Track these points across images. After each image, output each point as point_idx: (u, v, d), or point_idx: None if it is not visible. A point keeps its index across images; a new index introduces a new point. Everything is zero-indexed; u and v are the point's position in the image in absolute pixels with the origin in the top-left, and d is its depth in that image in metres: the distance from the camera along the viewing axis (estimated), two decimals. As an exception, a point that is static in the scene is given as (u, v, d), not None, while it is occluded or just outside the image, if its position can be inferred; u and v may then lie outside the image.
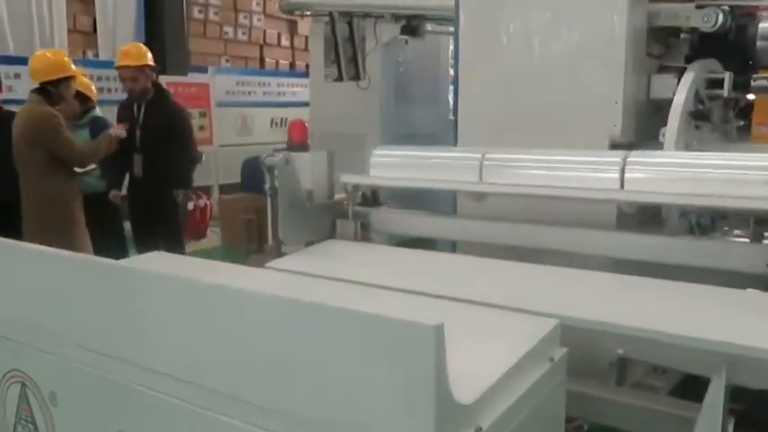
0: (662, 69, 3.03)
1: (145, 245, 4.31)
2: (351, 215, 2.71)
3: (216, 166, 8.13)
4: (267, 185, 2.50)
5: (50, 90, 3.80)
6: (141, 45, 4.48)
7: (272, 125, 8.93)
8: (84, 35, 7.81)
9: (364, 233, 2.74)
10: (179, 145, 4.32)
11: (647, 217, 2.92)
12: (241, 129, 8.83)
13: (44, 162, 3.71)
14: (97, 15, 8.06)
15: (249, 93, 8.89)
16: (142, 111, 4.29)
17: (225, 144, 8.35)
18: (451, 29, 3.42)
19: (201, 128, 7.32)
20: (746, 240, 2.22)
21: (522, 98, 3.11)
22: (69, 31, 7.66)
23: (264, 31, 9.41)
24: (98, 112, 4.56)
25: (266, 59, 9.50)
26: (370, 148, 4.40)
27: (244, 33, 9.23)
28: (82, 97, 4.37)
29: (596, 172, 2.36)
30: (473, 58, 3.28)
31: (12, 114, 4.00)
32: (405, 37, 4.17)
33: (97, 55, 7.72)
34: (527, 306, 1.92)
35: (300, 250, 2.56)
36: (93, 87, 4.53)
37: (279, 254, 2.51)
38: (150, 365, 1.64)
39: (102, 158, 4.22)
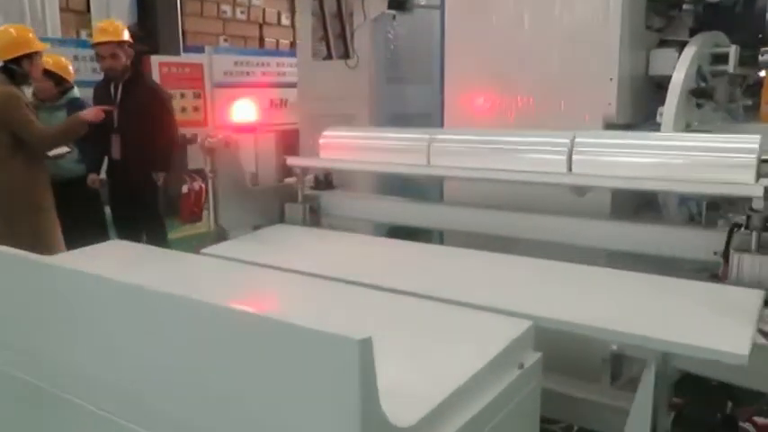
0: (662, 44, 2.79)
1: (125, 230, 4.17)
2: (300, 198, 2.61)
3: (213, 148, 7.97)
4: (208, 168, 2.40)
5: (13, 68, 3.62)
6: (117, 21, 4.29)
7: (271, 107, 8.73)
8: (78, 14, 7.62)
9: (315, 217, 2.65)
10: (158, 126, 4.15)
11: (644, 203, 2.72)
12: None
13: (8, 145, 3.55)
14: (90, -6, 7.87)
15: (248, 73, 8.68)
16: (119, 91, 4.12)
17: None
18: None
19: (196, 109, 7.14)
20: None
21: (512, 76, 2.90)
22: (62, 10, 7.47)
23: (264, 9, 9.17)
24: (76, 93, 4.39)
25: (266, 39, 9.27)
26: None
27: (242, 12, 9.00)
28: (57, 78, 4.21)
29: (544, 154, 2.19)
30: (460, 34, 3.07)
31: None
32: (393, 12, 3.94)
33: (91, 35, 7.56)
34: (491, 302, 1.73)
35: (243, 235, 2.45)
36: (71, 68, 4.35)
37: (223, 238, 2.43)
38: (62, 367, 1.50)
39: (79, 141, 4.07)
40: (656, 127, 2.49)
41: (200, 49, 7.94)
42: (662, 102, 2.50)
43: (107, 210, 4.47)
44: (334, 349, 1.05)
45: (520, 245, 2.34)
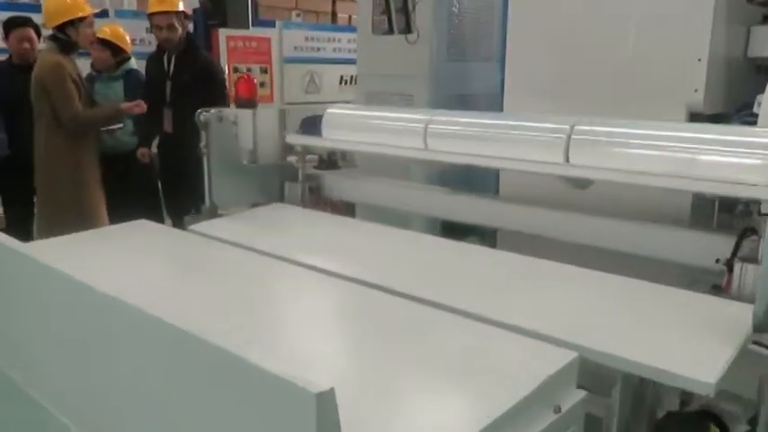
0: (767, 20, 2.36)
1: (173, 205, 4.10)
2: (300, 178, 2.52)
3: (282, 123, 7.93)
4: (202, 143, 2.35)
5: (60, 37, 3.56)
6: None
7: (341, 83, 8.59)
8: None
9: (314, 198, 2.53)
10: (211, 99, 4.02)
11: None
12: (309, 86, 8.56)
13: (51, 116, 3.51)
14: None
15: (318, 49, 8.55)
16: (172, 63, 4.02)
17: (292, 102, 8.13)
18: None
19: (262, 84, 7.05)
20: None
21: (580, 55, 2.54)
22: (137, -17, 7.55)
23: (341, -17, 8.98)
24: (133, 64, 4.34)
25: (338, 14, 9.08)
26: (418, 107, 3.99)
27: (316, -14, 8.85)
28: (114, 49, 4.16)
29: (539, 143, 1.89)
30: (524, 7, 2.73)
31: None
32: (455, -18, 3.62)
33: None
34: (524, 322, 1.43)
35: (236, 213, 2.37)
36: (128, 38, 4.29)
37: (215, 216, 2.36)
38: (31, 361, 1.36)
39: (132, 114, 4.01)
40: (753, 119, 2.09)
41: (271, 24, 7.87)
42: (762, 89, 2.10)
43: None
44: (287, 398, 0.82)
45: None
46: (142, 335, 1.04)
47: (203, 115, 2.33)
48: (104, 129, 3.85)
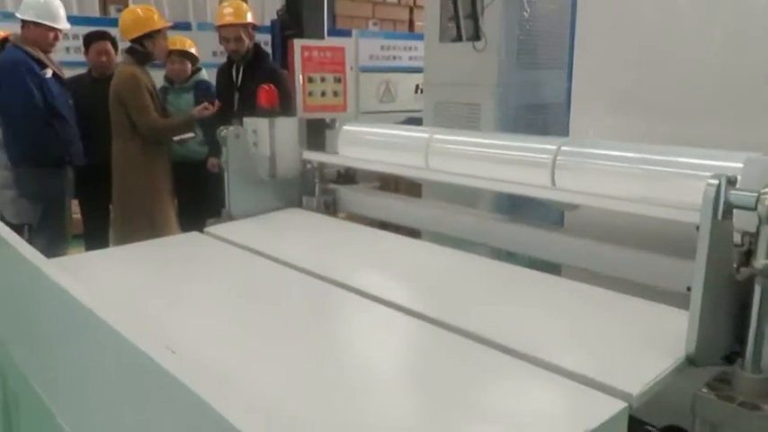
0: None
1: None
2: (317, 192, 2.55)
3: (356, 133, 7.97)
4: (222, 159, 2.42)
5: (137, 48, 3.67)
6: (242, 3, 4.23)
7: (417, 91, 8.51)
8: (236, -1, 7.93)
9: (329, 213, 2.54)
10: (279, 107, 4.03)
11: None
12: (384, 95, 8.55)
13: (127, 125, 3.62)
14: (248, -20, 8.13)
15: (394, 57, 8.53)
16: (240, 73, 4.07)
17: (366, 111, 8.14)
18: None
19: (335, 93, 7.07)
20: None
21: (657, 63, 2.30)
22: (221, -2, 7.78)
23: (417, -9, 8.94)
24: (204, 75, 4.43)
25: (416, 22, 9.02)
26: (485, 118, 3.83)
27: (393, -6, 8.84)
28: (193, 59, 4.26)
29: (527, 164, 1.81)
30: (594, 11, 2.52)
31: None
32: (524, -14, 3.44)
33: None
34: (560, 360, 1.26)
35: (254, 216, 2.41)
36: (194, 49, 4.39)
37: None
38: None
39: (203, 124, 4.09)
40: None
41: (347, 33, 7.92)
42: None
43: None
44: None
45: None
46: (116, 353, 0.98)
47: (223, 131, 2.40)
48: (177, 138, 3.95)
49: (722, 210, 1.16)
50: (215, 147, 4.27)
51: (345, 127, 2.40)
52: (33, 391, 1.42)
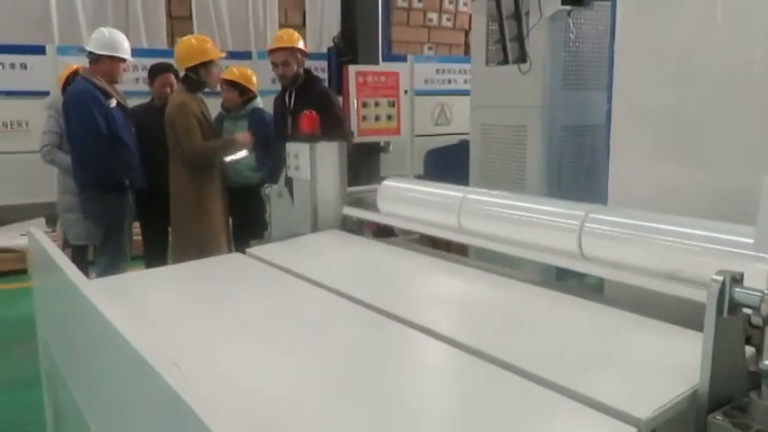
0: None
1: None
2: None
3: (411, 156, 8.03)
4: (267, 214, 2.54)
5: (191, 76, 3.87)
6: (293, 31, 4.39)
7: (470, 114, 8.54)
8: (296, 28, 8.21)
9: None
10: (328, 130, 4.12)
11: None
12: (439, 118, 8.61)
13: (180, 150, 3.80)
14: (307, 10, 8.41)
15: (449, 81, 8.61)
16: (293, 98, 4.20)
17: (421, 134, 8.22)
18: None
19: (389, 117, 7.19)
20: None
21: (698, 81, 2.25)
22: (281, 26, 8.09)
23: (470, 15, 9.00)
24: (259, 103, 4.60)
25: (471, 45, 9.07)
26: (531, 140, 3.81)
27: (448, 19, 8.93)
28: (241, 88, 4.44)
29: (556, 230, 1.73)
30: (633, 28, 2.48)
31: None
32: (567, 8, 3.42)
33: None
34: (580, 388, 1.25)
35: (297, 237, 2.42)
36: (255, 78, 4.56)
37: None
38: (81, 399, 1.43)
39: (256, 150, 4.24)
40: None
41: (402, 58, 8.05)
42: None
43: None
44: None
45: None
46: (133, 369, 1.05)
47: (267, 189, 2.54)
48: (229, 159, 4.10)
49: (727, 307, 1.13)
50: (269, 172, 4.42)
51: (386, 182, 2.43)
52: (74, 403, 1.52)
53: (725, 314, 1.13)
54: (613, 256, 1.61)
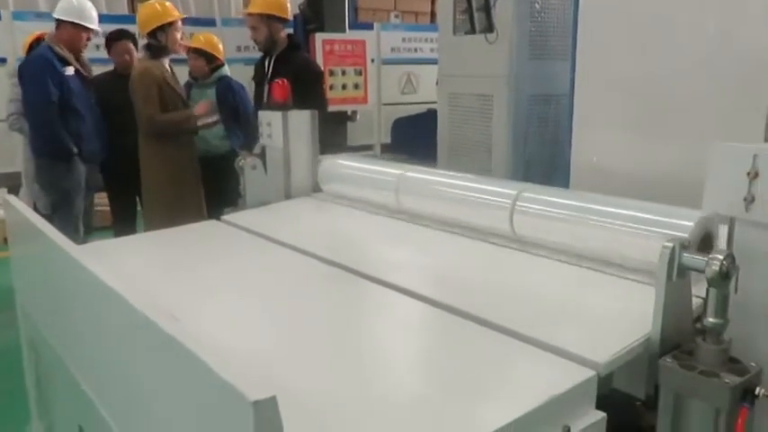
0: None
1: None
2: None
3: (378, 125, 8.04)
4: (240, 187, 2.57)
5: (152, 42, 3.83)
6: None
7: (438, 83, 8.57)
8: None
9: None
10: (305, 99, 4.04)
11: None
12: (405, 87, 8.61)
13: (141, 118, 3.79)
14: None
15: (415, 50, 8.58)
16: (271, 65, 4.12)
17: (388, 102, 8.21)
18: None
19: (356, 86, 7.19)
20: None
21: (660, 51, 2.35)
22: (246, -8, 7.92)
23: (437, -17, 8.96)
24: (226, 71, 4.56)
25: (438, 15, 9.05)
26: (498, 109, 3.89)
27: (415, -13, 8.88)
28: (208, 56, 4.39)
29: (489, 208, 1.90)
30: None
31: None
32: (532, -24, 3.48)
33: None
34: (534, 332, 1.35)
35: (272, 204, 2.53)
36: (221, 46, 4.51)
37: None
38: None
39: (223, 119, 4.22)
40: None
41: (369, 26, 7.99)
42: None
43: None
44: (226, 403, 0.84)
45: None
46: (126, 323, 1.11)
47: (240, 161, 2.57)
48: (201, 123, 4.06)
49: (676, 271, 1.25)
50: (242, 141, 4.37)
51: (324, 162, 2.62)
52: (63, 364, 1.56)
53: (674, 278, 1.25)
54: (542, 235, 1.77)
